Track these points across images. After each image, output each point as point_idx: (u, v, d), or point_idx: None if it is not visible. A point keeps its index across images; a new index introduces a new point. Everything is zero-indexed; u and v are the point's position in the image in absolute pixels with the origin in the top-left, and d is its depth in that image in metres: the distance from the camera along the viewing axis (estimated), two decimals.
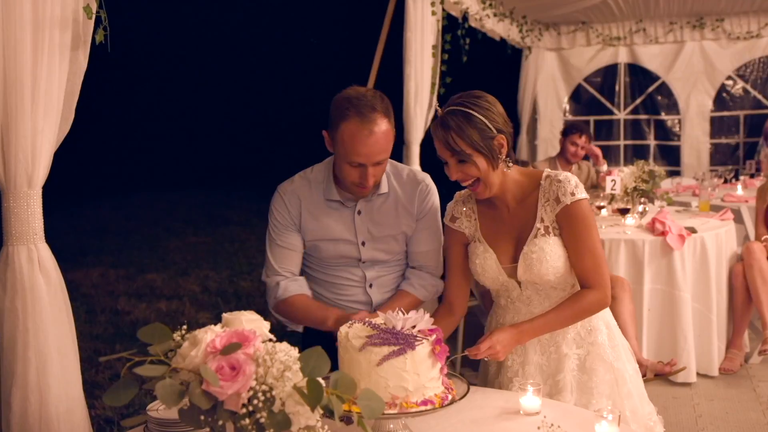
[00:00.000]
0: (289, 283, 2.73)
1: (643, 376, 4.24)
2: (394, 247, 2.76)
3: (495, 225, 2.51)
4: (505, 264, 2.48)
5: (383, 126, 2.47)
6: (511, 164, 2.42)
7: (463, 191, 2.61)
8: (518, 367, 2.51)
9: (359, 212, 2.70)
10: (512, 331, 2.36)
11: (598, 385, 2.45)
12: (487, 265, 2.49)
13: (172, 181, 17.26)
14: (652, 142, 9.42)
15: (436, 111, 2.42)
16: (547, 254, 2.38)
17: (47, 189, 2.21)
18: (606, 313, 2.55)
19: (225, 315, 1.69)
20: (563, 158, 6.34)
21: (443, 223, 2.69)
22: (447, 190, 2.76)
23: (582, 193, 2.39)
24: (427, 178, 2.79)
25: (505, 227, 2.49)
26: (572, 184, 2.38)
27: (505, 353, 2.35)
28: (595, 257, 2.39)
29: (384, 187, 2.69)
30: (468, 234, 2.57)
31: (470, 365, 4.70)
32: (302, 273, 2.83)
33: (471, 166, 2.35)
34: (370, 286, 2.77)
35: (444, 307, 2.62)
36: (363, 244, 2.71)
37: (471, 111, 2.33)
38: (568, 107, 9.61)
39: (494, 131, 2.34)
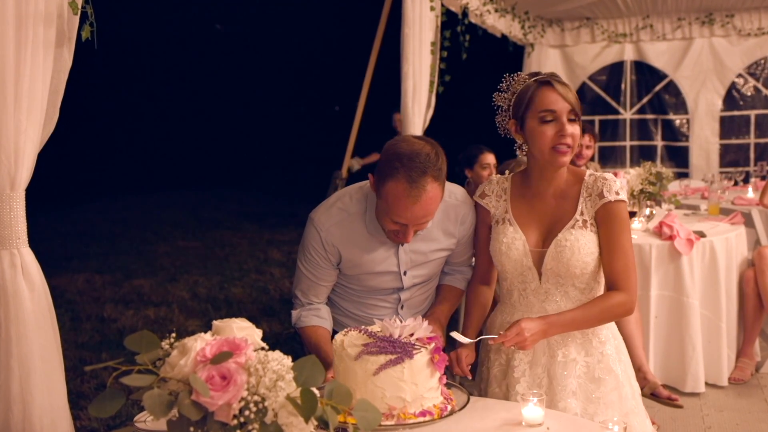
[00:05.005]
0: (305, 312, 2.78)
1: (641, 389, 4.24)
2: (434, 270, 2.85)
3: (527, 209, 2.59)
4: (534, 247, 2.53)
5: (432, 191, 2.46)
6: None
7: (500, 176, 2.70)
8: (525, 367, 2.54)
9: (402, 243, 2.71)
10: (540, 322, 2.39)
11: (605, 395, 2.48)
12: (514, 246, 2.54)
13: (160, 184, 17.24)
14: (659, 142, 9.42)
15: (532, 75, 2.53)
16: (581, 246, 2.44)
17: (31, 191, 2.21)
18: (612, 326, 2.61)
19: (215, 322, 1.70)
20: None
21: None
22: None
23: (624, 196, 2.48)
24: (466, 195, 2.82)
25: (536, 214, 2.56)
26: (617, 184, 2.49)
27: (532, 343, 2.38)
28: (627, 261, 2.47)
29: (428, 222, 2.68)
30: (493, 214, 2.64)
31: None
32: (333, 289, 2.88)
33: (578, 127, 2.47)
34: (402, 306, 2.84)
35: (477, 282, 2.78)
36: (405, 273, 2.76)
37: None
38: None
39: None
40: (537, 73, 2.54)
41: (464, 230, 2.80)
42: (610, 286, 2.49)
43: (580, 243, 2.44)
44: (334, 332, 2.87)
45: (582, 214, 2.49)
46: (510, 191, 2.64)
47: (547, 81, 2.47)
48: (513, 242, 2.54)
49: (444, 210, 2.72)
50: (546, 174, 2.55)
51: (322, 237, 2.68)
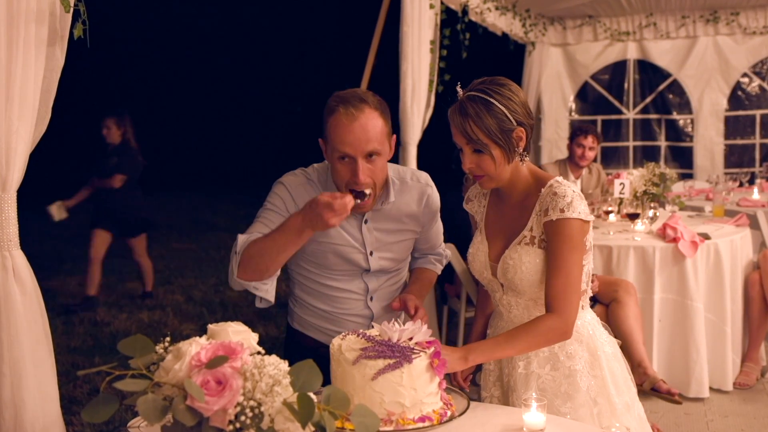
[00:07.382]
0: (249, 236, 2.54)
1: (640, 385, 4.21)
2: (402, 254, 2.83)
3: (497, 218, 2.54)
4: (492, 260, 2.50)
5: (372, 117, 2.48)
6: (526, 159, 2.41)
7: None
8: (498, 373, 2.57)
9: (366, 221, 2.71)
10: (461, 350, 2.28)
11: (572, 411, 2.41)
12: (477, 256, 2.53)
13: (154, 184, 17.20)
14: (662, 143, 9.43)
15: (456, 93, 2.39)
16: (524, 264, 2.37)
17: (22, 192, 2.21)
18: (594, 340, 2.49)
19: (210, 326, 1.70)
20: (573, 162, 6.34)
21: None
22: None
23: (574, 213, 2.31)
24: (429, 179, 2.85)
25: (503, 223, 2.51)
26: (566, 200, 2.32)
27: (452, 368, 2.23)
28: (567, 282, 2.32)
29: (392, 196, 2.70)
30: (476, 219, 2.63)
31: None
32: (298, 284, 2.85)
33: (486, 157, 2.34)
34: (371, 299, 2.80)
35: (484, 292, 2.75)
36: (371, 253, 2.74)
37: (491, 99, 2.30)
38: (573, 106, 9.63)
39: (514, 123, 2.32)
40: (480, 81, 2.37)
41: (428, 214, 2.81)
42: (547, 308, 2.35)
43: (523, 261, 2.37)
44: (305, 336, 2.86)
45: (531, 230, 2.39)
46: (488, 196, 2.60)
47: (453, 106, 2.37)
48: (477, 252, 2.53)
49: (407, 190, 2.76)
50: None
51: (291, 192, 2.66)
